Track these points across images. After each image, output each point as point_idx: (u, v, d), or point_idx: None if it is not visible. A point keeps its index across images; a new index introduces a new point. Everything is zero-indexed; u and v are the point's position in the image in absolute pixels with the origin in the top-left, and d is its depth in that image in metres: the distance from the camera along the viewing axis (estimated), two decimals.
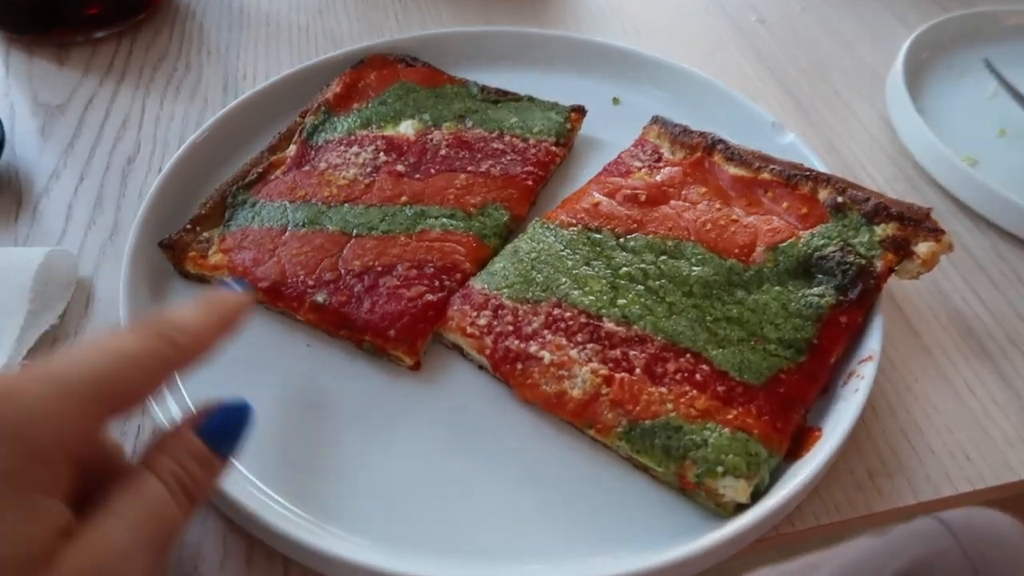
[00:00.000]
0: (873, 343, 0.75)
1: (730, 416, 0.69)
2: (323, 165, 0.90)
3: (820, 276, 0.79)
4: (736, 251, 0.82)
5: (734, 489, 0.65)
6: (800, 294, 0.78)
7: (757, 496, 0.67)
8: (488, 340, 0.75)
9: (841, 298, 0.77)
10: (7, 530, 0.40)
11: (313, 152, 0.92)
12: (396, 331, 0.75)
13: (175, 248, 0.82)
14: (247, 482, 0.68)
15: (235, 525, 0.67)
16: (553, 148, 0.94)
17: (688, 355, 0.74)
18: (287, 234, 0.83)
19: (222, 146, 0.94)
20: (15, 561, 0.40)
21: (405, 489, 0.69)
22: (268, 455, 0.70)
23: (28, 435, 0.44)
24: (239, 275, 0.79)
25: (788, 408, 0.71)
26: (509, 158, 0.92)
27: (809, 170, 0.87)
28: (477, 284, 0.79)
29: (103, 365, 0.48)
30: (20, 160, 0.97)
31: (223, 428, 0.55)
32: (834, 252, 0.79)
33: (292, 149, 0.93)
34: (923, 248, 0.79)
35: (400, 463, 0.70)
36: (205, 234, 0.84)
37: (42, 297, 0.79)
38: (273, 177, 0.89)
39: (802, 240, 0.81)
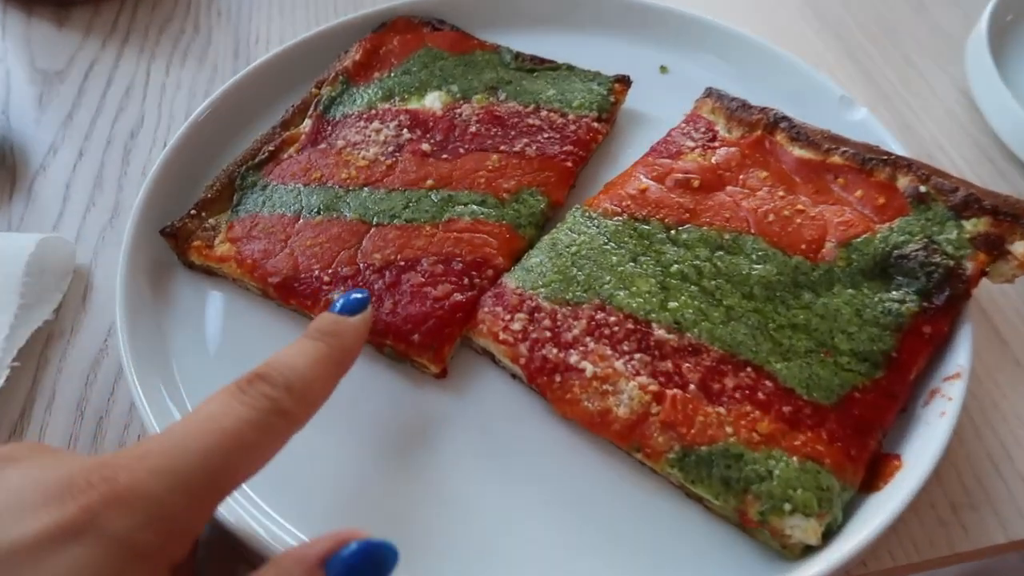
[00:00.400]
0: (960, 358, 0.67)
1: (798, 442, 0.61)
2: (340, 143, 0.82)
3: (900, 278, 0.70)
4: (803, 247, 0.73)
5: (803, 530, 0.58)
6: (876, 299, 0.69)
7: (828, 535, 0.59)
8: (523, 348, 0.67)
9: (925, 304, 0.68)
10: None
11: (330, 128, 0.84)
12: (420, 335, 0.68)
13: (178, 236, 0.75)
14: (254, 507, 0.61)
15: (243, 555, 0.60)
16: (595, 124, 0.86)
17: (749, 368, 0.65)
18: (301, 222, 0.75)
19: (231, 119, 0.87)
20: None
21: (428, 517, 0.62)
22: (276, 475, 0.62)
23: (140, 543, 0.40)
24: (251, 272, 0.72)
25: (863, 432, 0.63)
26: (546, 136, 0.83)
27: (886, 153, 0.78)
28: (511, 282, 0.71)
29: (214, 451, 0.44)
30: (16, 133, 0.90)
31: (357, 571, 0.45)
32: (917, 251, 0.70)
33: (307, 124, 0.85)
34: (1020, 247, 0.69)
35: (423, 486, 0.64)
36: (211, 220, 0.77)
37: (35, 289, 0.73)
38: (286, 156, 0.82)
39: (879, 235, 0.72)
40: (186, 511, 0.42)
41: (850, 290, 0.70)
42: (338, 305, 0.58)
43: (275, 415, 0.48)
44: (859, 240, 0.72)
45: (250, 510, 0.61)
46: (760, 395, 0.64)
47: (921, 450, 0.62)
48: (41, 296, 0.73)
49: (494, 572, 0.59)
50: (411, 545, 0.59)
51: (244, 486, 0.62)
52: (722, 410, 0.63)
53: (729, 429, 0.62)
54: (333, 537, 0.45)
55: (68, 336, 0.73)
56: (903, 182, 0.75)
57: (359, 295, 0.59)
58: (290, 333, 0.72)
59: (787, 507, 0.58)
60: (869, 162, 0.77)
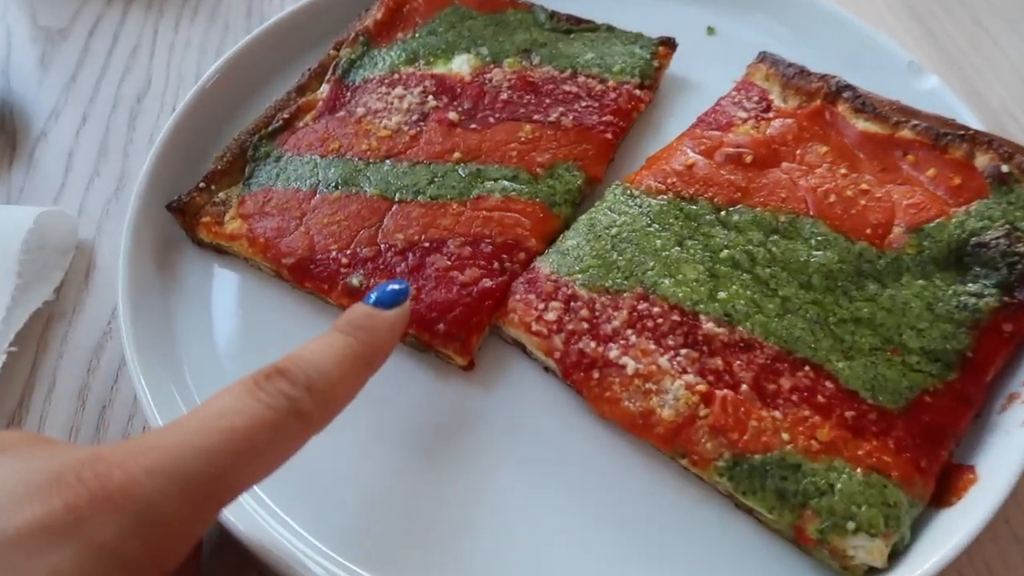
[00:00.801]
0: None
1: (862, 452, 0.56)
2: (361, 111, 0.76)
3: (977, 269, 0.64)
4: (868, 232, 0.67)
5: (868, 551, 0.53)
6: (951, 291, 0.63)
7: (894, 555, 0.54)
8: (558, 340, 0.62)
9: (1005, 299, 0.62)
10: None
11: (349, 94, 0.78)
12: (446, 325, 0.63)
13: (186, 212, 0.70)
14: (265, 510, 0.57)
15: (250, 561, 0.56)
16: (636, 92, 0.79)
17: (807, 368, 0.60)
18: (317, 197, 0.70)
19: (243, 83, 0.82)
20: None
21: (452, 521, 0.58)
22: (289, 475, 0.58)
23: (127, 552, 0.37)
24: (264, 252, 0.67)
25: (934, 441, 0.57)
26: (584, 104, 0.77)
27: (963, 128, 0.71)
28: (545, 267, 0.66)
29: (221, 451, 0.41)
30: (16, 96, 0.85)
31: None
32: (997, 238, 0.64)
33: (324, 89, 0.79)
34: None
35: (444, 488, 0.60)
36: (221, 194, 0.72)
37: (34, 267, 0.69)
38: (302, 124, 0.76)
39: (954, 220, 0.66)
40: (182, 517, 0.39)
41: (920, 281, 0.64)
42: (373, 297, 0.54)
43: (292, 416, 0.44)
44: (931, 225, 0.66)
45: (260, 513, 0.57)
46: (820, 398, 0.58)
47: (998, 462, 0.57)
48: (40, 275, 0.69)
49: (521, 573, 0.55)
50: (434, 551, 0.56)
51: (260, 491, 0.58)
52: (777, 414, 0.57)
53: (785, 436, 0.56)
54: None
55: (69, 318, 0.70)
56: (982, 160, 0.68)
57: (397, 286, 0.55)
58: (306, 318, 0.68)
59: (850, 525, 0.53)
60: (944, 137, 0.70)
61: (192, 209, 0.70)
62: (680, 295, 0.63)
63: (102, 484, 0.37)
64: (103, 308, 0.70)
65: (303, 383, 0.45)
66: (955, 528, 0.53)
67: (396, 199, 0.70)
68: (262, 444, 0.42)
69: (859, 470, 0.55)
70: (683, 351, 0.61)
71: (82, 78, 0.88)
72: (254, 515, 0.56)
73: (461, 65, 0.80)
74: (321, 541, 0.56)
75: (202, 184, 0.71)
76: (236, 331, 0.67)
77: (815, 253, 0.65)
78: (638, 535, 0.57)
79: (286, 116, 0.76)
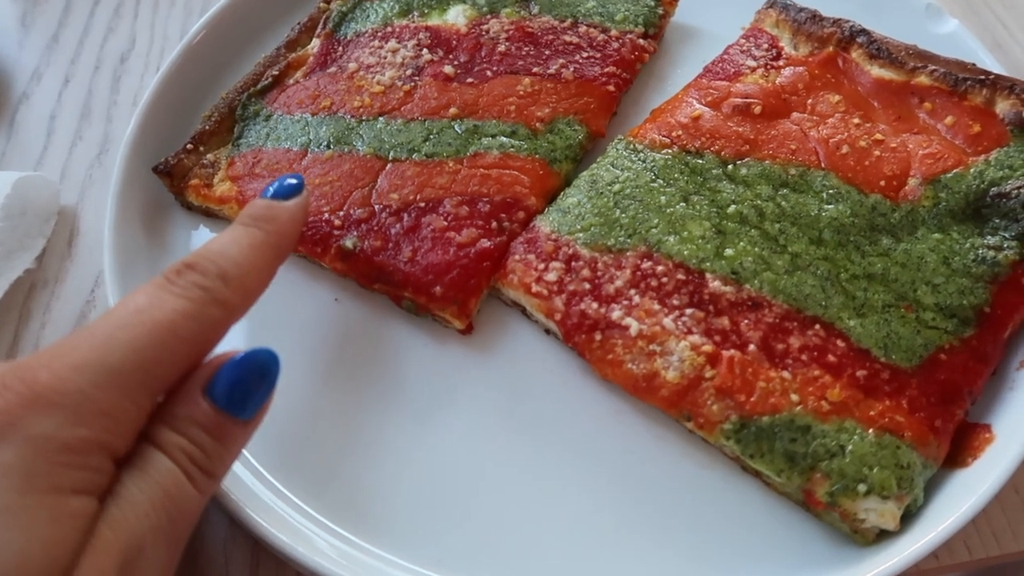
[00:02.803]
0: None
1: (874, 412, 0.55)
2: (353, 66, 0.75)
3: (997, 220, 0.62)
4: (881, 184, 0.65)
5: (879, 514, 0.52)
6: (968, 244, 0.62)
7: (906, 517, 0.53)
8: (558, 301, 0.61)
9: None
10: (30, 537, 0.37)
11: (341, 48, 0.77)
12: (443, 287, 0.62)
13: (173, 174, 0.69)
14: (255, 475, 0.57)
15: (237, 529, 0.57)
16: (640, 41, 0.77)
17: (817, 326, 0.59)
18: (308, 157, 0.69)
19: (231, 40, 0.80)
20: (39, 568, 0.37)
21: (452, 490, 0.58)
22: (282, 442, 0.59)
23: (71, 440, 0.39)
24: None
25: (949, 400, 0.57)
26: (585, 55, 0.75)
27: (983, 73, 0.69)
28: (545, 225, 0.65)
29: (145, 343, 0.43)
30: None
31: (238, 386, 0.46)
32: (1018, 188, 0.62)
33: (315, 44, 0.78)
34: None
35: (445, 455, 0.59)
36: (210, 156, 0.71)
37: (14, 235, 0.68)
38: (292, 81, 0.75)
39: (973, 170, 0.64)
40: (120, 404, 0.41)
41: (937, 234, 0.63)
42: (271, 190, 0.55)
43: (210, 305, 0.46)
44: (949, 176, 0.65)
45: (256, 484, 0.56)
46: (830, 357, 0.58)
47: (1016, 420, 0.57)
48: (22, 242, 0.68)
49: (526, 549, 0.55)
50: (433, 519, 0.56)
51: (250, 457, 0.58)
52: (786, 374, 0.57)
53: (795, 397, 0.56)
54: (207, 365, 0.46)
55: (52, 286, 0.69)
56: (1003, 107, 0.66)
57: (293, 179, 0.56)
58: (299, 282, 0.67)
59: (861, 488, 0.52)
60: (962, 83, 0.68)
61: (180, 171, 0.69)
62: (685, 253, 0.62)
63: (29, 387, 0.39)
64: (87, 276, 0.69)
65: (215, 273, 0.47)
66: (971, 489, 0.53)
67: (390, 158, 0.68)
68: (185, 333, 0.44)
69: (871, 431, 0.54)
70: (688, 311, 0.60)
71: (64, 38, 0.86)
72: (247, 482, 0.56)
73: (457, 16, 0.78)
74: (320, 512, 0.56)
75: (190, 145, 0.70)
76: None
77: (826, 207, 0.64)
78: (642, 500, 0.57)
79: (275, 73, 0.75)
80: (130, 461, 0.43)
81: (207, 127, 0.72)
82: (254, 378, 0.47)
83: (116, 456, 0.42)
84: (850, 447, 0.54)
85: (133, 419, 0.42)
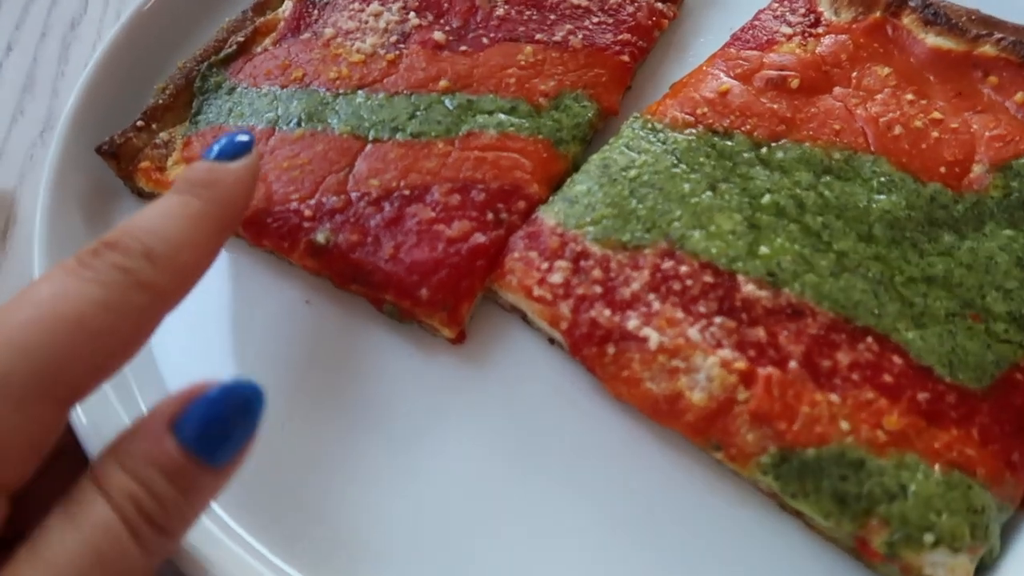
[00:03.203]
0: None
1: (939, 444, 0.48)
2: (329, 32, 0.68)
3: None
4: (941, 170, 0.58)
5: (949, 569, 0.45)
6: None
7: (980, 568, 0.46)
8: (565, 307, 0.53)
9: None
10: None
11: (316, 11, 0.70)
12: (430, 289, 0.55)
13: (120, 156, 0.62)
14: (210, 517, 0.49)
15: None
16: (659, 5, 0.71)
17: (870, 339, 0.52)
18: (276, 136, 0.62)
19: (190, 2, 0.72)
20: None
21: (439, 522, 0.51)
22: (245, 476, 0.50)
23: None
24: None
25: None
26: (596, 21, 0.68)
27: None
28: (549, 217, 0.57)
29: (46, 343, 0.36)
30: None
31: (214, 425, 0.38)
32: None
33: (287, 7, 0.71)
34: None
35: (436, 487, 0.52)
36: (163, 134, 0.64)
37: None
38: (259, 50, 0.68)
39: None
40: (13, 426, 0.35)
41: (1008, 230, 0.56)
42: (214, 150, 0.47)
43: (133, 290, 0.39)
44: (1020, 162, 0.58)
45: (213, 529, 0.49)
46: (886, 376, 0.50)
47: None
48: None
49: None
50: (424, 565, 0.50)
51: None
52: (834, 397, 0.49)
53: (845, 425, 0.48)
54: (178, 394, 0.38)
55: None
56: None
57: (243, 136, 0.48)
58: (265, 279, 0.61)
59: (928, 538, 0.45)
60: None
61: (128, 152, 0.62)
62: (713, 250, 0.54)
63: None
64: (24, 271, 0.62)
65: (139, 252, 0.40)
66: None
67: (370, 138, 0.61)
68: (99, 326, 0.37)
69: (937, 467, 0.47)
70: (717, 320, 0.52)
71: (7, 2, 0.79)
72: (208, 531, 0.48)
73: None
74: (293, 566, 0.49)
75: (140, 122, 0.63)
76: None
77: (877, 197, 0.57)
78: (662, 542, 0.50)
79: (241, 40, 0.68)
80: (63, 500, 0.37)
81: (161, 101, 0.64)
82: (234, 416, 0.39)
83: (8, 487, 0.36)
84: (913, 487, 0.46)
85: (30, 439, 0.36)
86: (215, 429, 0.38)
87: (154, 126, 0.63)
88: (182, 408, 0.38)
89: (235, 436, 0.39)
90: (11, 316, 0.37)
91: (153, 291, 0.39)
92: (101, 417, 0.50)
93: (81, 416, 0.49)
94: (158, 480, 0.37)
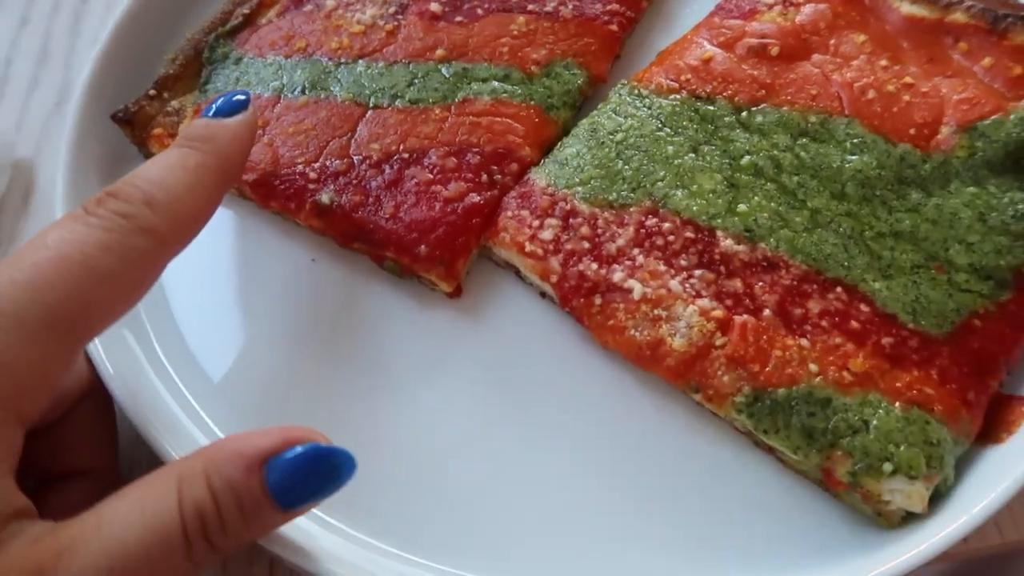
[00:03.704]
0: None
1: (901, 384, 0.51)
2: (330, 3, 0.70)
3: None
4: (911, 132, 0.61)
5: (906, 495, 0.48)
6: (1007, 199, 0.58)
7: (935, 498, 0.49)
8: (555, 262, 0.56)
9: None
10: None
11: None
12: (428, 246, 0.58)
13: (135, 123, 0.65)
14: None
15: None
16: None
17: (839, 289, 0.55)
18: (281, 104, 0.64)
19: None
20: None
21: (440, 469, 0.54)
22: (254, 416, 0.55)
23: None
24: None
25: (984, 370, 0.53)
26: None
27: None
28: (540, 179, 0.60)
29: (58, 283, 0.39)
30: None
31: (303, 482, 0.40)
32: None
33: None
34: None
35: (432, 431, 0.55)
36: (174, 102, 0.66)
37: None
38: (264, 21, 0.70)
39: (1013, 117, 0.60)
40: (29, 359, 0.37)
41: (972, 188, 0.58)
42: (212, 108, 0.50)
43: (135, 234, 0.42)
44: (986, 123, 0.60)
45: None
46: (853, 323, 0.54)
47: None
48: None
49: (520, 531, 0.52)
50: (419, 502, 0.53)
51: (219, 432, 0.54)
52: (805, 342, 0.53)
53: (813, 367, 0.52)
54: (281, 435, 0.39)
55: (6, 247, 0.65)
56: None
57: (240, 95, 0.51)
58: (274, 241, 0.63)
59: (887, 467, 0.48)
60: (1002, 20, 0.63)
61: (142, 119, 0.65)
62: (694, 208, 0.58)
63: None
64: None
65: (139, 199, 0.43)
66: (1006, 467, 0.49)
67: (370, 104, 0.64)
68: (104, 268, 0.40)
69: (897, 404, 0.50)
70: (697, 272, 0.55)
71: None
72: None
73: None
74: None
75: (152, 91, 0.66)
76: (196, 259, 0.60)
77: (850, 158, 0.59)
78: (646, 478, 0.53)
79: (246, 12, 0.70)
80: (140, 483, 0.38)
81: (171, 71, 0.67)
82: (323, 478, 0.40)
83: (23, 417, 0.38)
84: (874, 422, 0.49)
85: (43, 371, 0.38)
86: (302, 484, 0.39)
87: (165, 95, 0.65)
88: (280, 449, 0.39)
89: (317, 494, 0.40)
90: (22, 258, 0.39)
91: (153, 235, 0.42)
92: (123, 362, 0.54)
93: (105, 361, 0.53)
94: (232, 507, 0.38)
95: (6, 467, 0.38)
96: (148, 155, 0.66)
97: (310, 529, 0.51)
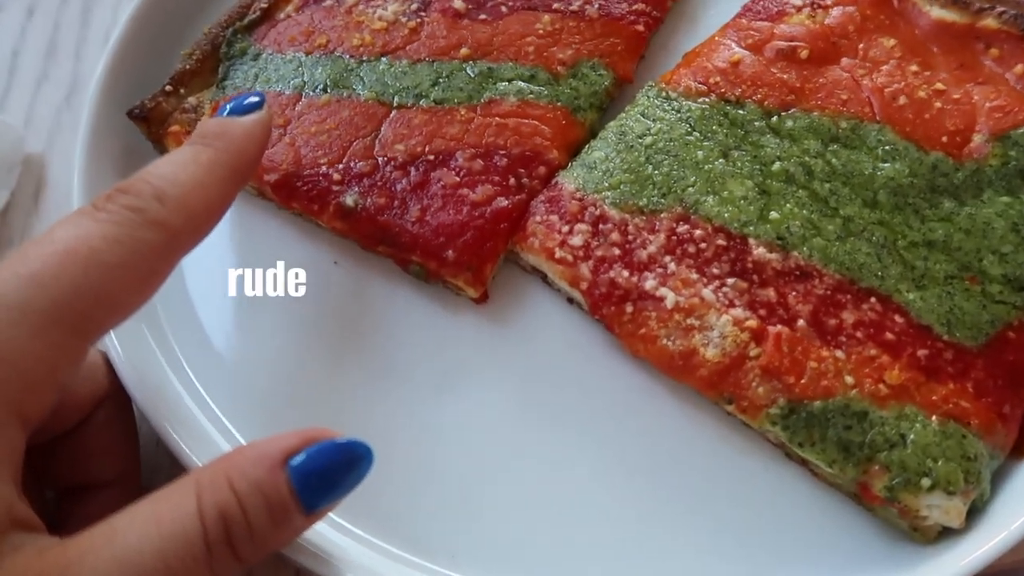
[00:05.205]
0: None
1: (937, 397, 0.51)
2: None
3: None
4: (943, 140, 0.60)
5: (944, 511, 0.48)
6: None
7: (970, 513, 0.49)
8: (585, 268, 0.56)
9: None
10: None
11: None
12: (455, 251, 0.57)
13: (151, 119, 0.63)
14: None
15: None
16: None
17: (873, 299, 0.54)
18: (303, 102, 0.63)
19: None
20: None
21: (464, 477, 0.54)
22: (277, 422, 0.54)
23: None
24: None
25: (1019, 382, 0.53)
26: None
27: None
28: (568, 183, 0.59)
29: (67, 277, 0.38)
30: None
31: (327, 473, 0.39)
32: None
33: None
34: None
35: (457, 439, 0.55)
36: (191, 99, 0.65)
37: None
38: (283, 16, 0.69)
39: None
40: (33, 352, 0.36)
41: (1005, 197, 0.58)
42: (227, 108, 0.50)
43: (144, 228, 0.41)
44: (1019, 132, 0.60)
45: None
46: (888, 335, 0.53)
47: None
48: None
49: (545, 542, 0.52)
50: (443, 510, 0.53)
51: (240, 438, 0.53)
52: (840, 354, 0.52)
53: (849, 379, 0.51)
54: (299, 434, 0.39)
55: (18, 244, 0.64)
56: None
57: (254, 97, 0.50)
58: (295, 242, 0.63)
59: (925, 482, 0.48)
60: None
61: (158, 116, 0.63)
62: (726, 215, 0.57)
63: None
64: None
65: (150, 193, 0.42)
66: None
67: (394, 104, 0.63)
68: (113, 261, 0.39)
69: (934, 418, 0.50)
70: (730, 281, 0.55)
71: None
72: None
73: None
74: None
75: (169, 87, 0.64)
76: (214, 259, 0.61)
77: (881, 165, 0.59)
78: (675, 490, 0.53)
79: (264, 6, 0.69)
80: (158, 493, 0.37)
81: (188, 66, 0.65)
82: (345, 469, 0.40)
83: (26, 417, 0.37)
84: (912, 436, 0.49)
85: (49, 366, 0.37)
86: (326, 477, 0.39)
87: (182, 91, 0.64)
88: (300, 447, 0.38)
89: (339, 488, 0.40)
90: (30, 253, 0.39)
91: (164, 229, 0.41)
92: (143, 365, 0.53)
93: (124, 363, 0.52)
94: (260, 509, 0.37)
95: (6, 473, 0.37)
96: (164, 152, 0.64)
97: (336, 539, 0.50)
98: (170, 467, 0.54)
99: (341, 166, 0.60)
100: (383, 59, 0.65)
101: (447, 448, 0.54)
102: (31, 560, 0.35)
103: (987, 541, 0.46)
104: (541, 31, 0.66)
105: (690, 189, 0.58)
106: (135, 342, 0.54)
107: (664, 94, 0.63)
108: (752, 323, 0.53)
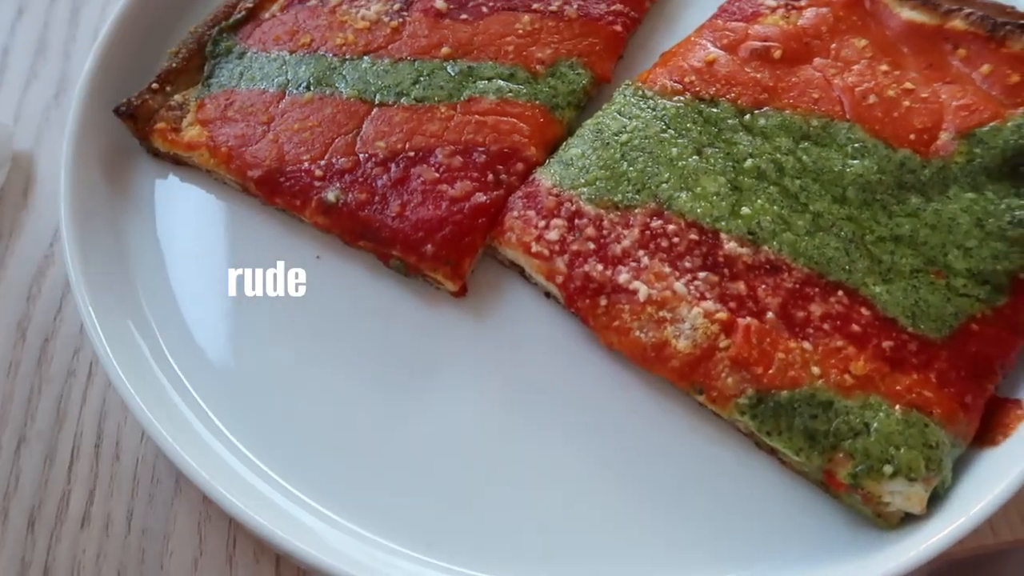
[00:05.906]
0: None
1: (900, 387, 0.52)
2: None
3: None
4: (911, 138, 0.61)
5: (905, 497, 0.49)
6: (1004, 205, 0.58)
7: (932, 500, 0.50)
8: (560, 263, 0.57)
9: None
10: None
11: None
12: (435, 245, 0.58)
13: (137, 117, 0.64)
14: (230, 449, 0.53)
15: (213, 509, 0.53)
16: None
17: (840, 292, 0.55)
18: (286, 100, 0.64)
19: None
20: None
21: (443, 466, 0.55)
22: (259, 414, 0.55)
23: None
24: (227, 163, 0.62)
25: (981, 373, 0.54)
26: None
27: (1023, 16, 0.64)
28: (546, 179, 0.60)
29: None
30: None
31: None
32: None
33: None
34: None
35: (436, 428, 0.56)
36: (177, 96, 0.66)
37: None
38: (268, 15, 0.70)
39: (1010, 124, 0.60)
40: None
41: (970, 194, 0.59)
42: None
43: None
44: (984, 130, 0.61)
45: (232, 459, 0.53)
46: (854, 327, 0.54)
47: None
48: None
49: (522, 528, 0.52)
50: (423, 498, 0.53)
51: (224, 429, 0.54)
52: (807, 345, 0.53)
53: (816, 369, 0.52)
54: None
55: (6, 240, 0.65)
56: None
57: None
58: (278, 237, 0.63)
59: (887, 469, 0.49)
60: (1001, 28, 0.64)
61: (144, 113, 0.64)
62: (699, 211, 0.58)
63: None
64: (45, 228, 0.65)
65: None
66: (1002, 469, 0.50)
67: (376, 102, 0.64)
68: None
69: (898, 407, 0.51)
70: (701, 274, 0.56)
71: None
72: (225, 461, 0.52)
73: None
74: (300, 490, 0.53)
75: (155, 84, 0.66)
76: (198, 254, 0.62)
77: (851, 162, 0.60)
78: (648, 478, 0.54)
79: (250, 6, 0.70)
80: None
81: (174, 65, 0.67)
82: None
83: None
84: (875, 425, 0.50)
85: None
86: None
87: (168, 88, 0.65)
88: None
89: None
90: None
91: None
92: (127, 356, 0.54)
93: (110, 355, 0.53)
94: None
95: None
96: (150, 149, 0.65)
97: (315, 526, 0.51)
98: (154, 457, 0.55)
99: (323, 162, 0.61)
100: (365, 58, 0.66)
101: (425, 438, 0.55)
102: None
103: (947, 526, 0.48)
104: (521, 31, 0.67)
105: (664, 185, 0.59)
106: (119, 334, 0.55)
107: (640, 93, 0.64)
108: (722, 315, 0.54)
